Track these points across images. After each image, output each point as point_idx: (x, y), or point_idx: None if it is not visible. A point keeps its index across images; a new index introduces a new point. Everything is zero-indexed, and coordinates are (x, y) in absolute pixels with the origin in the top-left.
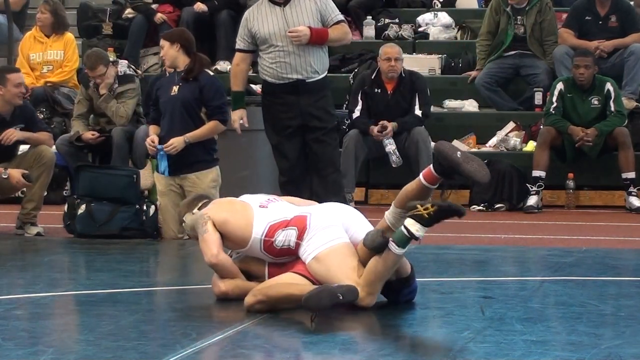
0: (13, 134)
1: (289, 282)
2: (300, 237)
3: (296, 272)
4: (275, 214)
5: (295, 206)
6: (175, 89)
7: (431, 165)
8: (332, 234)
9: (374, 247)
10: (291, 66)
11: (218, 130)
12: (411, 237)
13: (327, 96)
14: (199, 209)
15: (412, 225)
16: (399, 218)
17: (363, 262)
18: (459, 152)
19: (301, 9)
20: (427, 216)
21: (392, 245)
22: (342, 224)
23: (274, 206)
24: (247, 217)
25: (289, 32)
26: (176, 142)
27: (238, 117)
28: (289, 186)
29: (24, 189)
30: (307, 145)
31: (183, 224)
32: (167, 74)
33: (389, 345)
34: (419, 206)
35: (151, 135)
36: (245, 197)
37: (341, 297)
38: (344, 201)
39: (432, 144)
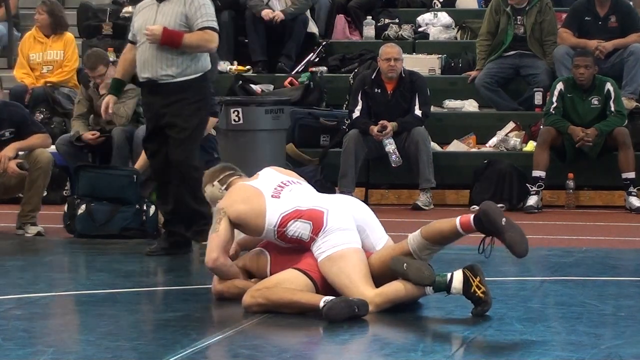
0: (5, 160)
1: (292, 288)
2: (315, 232)
3: (298, 269)
4: (287, 204)
5: (311, 194)
6: None
7: (472, 217)
8: (349, 237)
9: (419, 281)
10: (145, 64)
11: (210, 124)
12: (448, 292)
13: (187, 100)
14: (220, 181)
15: (458, 284)
16: (424, 249)
17: (376, 272)
18: (504, 219)
19: (171, 9)
20: (475, 290)
21: (429, 289)
22: (357, 224)
23: (285, 194)
24: (260, 209)
25: (145, 30)
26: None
27: (105, 103)
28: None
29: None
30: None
31: (205, 194)
32: None
33: (389, 345)
34: (476, 281)
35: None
36: (262, 179)
37: (357, 310)
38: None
39: (432, 144)
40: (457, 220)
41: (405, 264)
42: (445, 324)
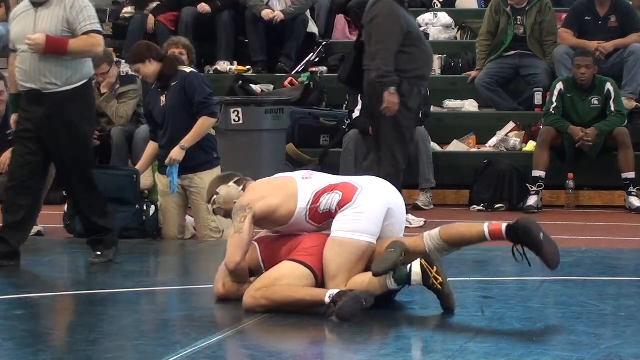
0: (7, 161)
1: (293, 285)
2: (340, 205)
3: (294, 260)
4: (319, 183)
5: (342, 176)
6: (163, 98)
7: (504, 226)
8: (368, 225)
9: (375, 270)
10: (27, 74)
11: (208, 124)
12: (409, 284)
13: (73, 109)
14: (236, 182)
15: (416, 276)
16: (442, 250)
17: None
18: (542, 234)
19: (51, 15)
20: (433, 282)
21: (390, 281)
22: (389, 206)
23: (317, 176)
24: (291, 190)
25: (26, 39)
26: (174, 154)
27: (13, 121)
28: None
29: None
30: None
31: (215, 197)
32: (153, 86)
33: (389, 345)
34: (433, 272)
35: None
36: (286, 174)
37: (365, 303)
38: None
39: (432, 144)
40: (486, 227)
41: (390, 250)
42: (445, 323)
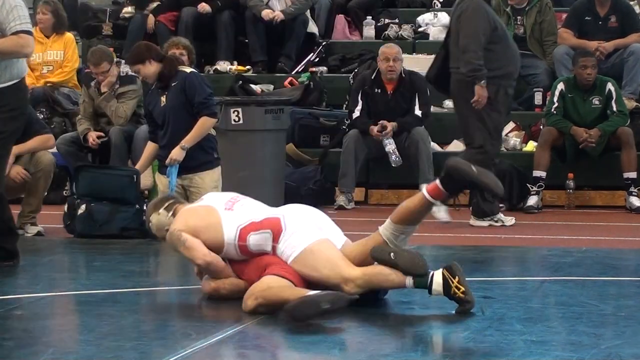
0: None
1: (282, 286)
2: (275, 239)
3: (275, 274)
4: (242, 216)
5: (262, 206)
6: (163, 98)
7: (438, 181)
8: (309, 234)
9: (412, 270)
10: None
11: (209, 125)
12: (429, 293)
13: (2, 109)
14: (165, 209)
15: (438, 286)
16: (399, 234)
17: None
18: (473, 167)
19: None
20: (455, 292)
21: (409, 280)
22: (316, 224)
23: (239, 207)
24: (215, 223)
25: None
26: (175, 154)
27: None
28: None
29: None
30: None
31: (150, 224)
32: (153, 87)
33: (389, 345)
34: (455, 282)
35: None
36: (208, 199)
37: (329, 306)
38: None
39: (432, 144)
40: (424, 190)
41: (392, 254)
42: (445, 324)
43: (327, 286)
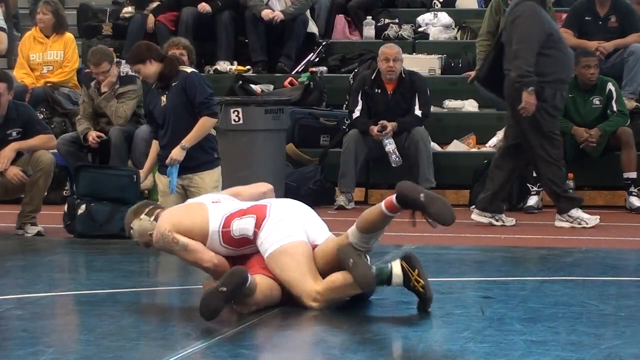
0: (5, 159)
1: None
2: (258, 225)
3: (258, 274)
4: (229, 206)
5: (250, 201)
6: (164, 98)
7: (394, 197)
8: (291, 229)
9: (362, 286)
10: None
11: (209, 125)
12: (389, 283)
13: None
14: (147, 214)
15: (397, 278)
16: (367, 240)
17: (321, 266)
18: (422, 195)
19: None
20: (414, 284)
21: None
22: (301, 219)
23: (226, 200)
24: (202, 213)
25: None
26: (175, 154)
27: None
28: None
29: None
30: None
31: (131, 232)
32: (153, 86)
33: (389, 345)
34: (415, 274)
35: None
36: (196, 198)
37: (225, 289)
38: None
39: (432, 144)
40: (382, 204)
41: (351, 261)
42: (445, 324)
43: (287, 290)
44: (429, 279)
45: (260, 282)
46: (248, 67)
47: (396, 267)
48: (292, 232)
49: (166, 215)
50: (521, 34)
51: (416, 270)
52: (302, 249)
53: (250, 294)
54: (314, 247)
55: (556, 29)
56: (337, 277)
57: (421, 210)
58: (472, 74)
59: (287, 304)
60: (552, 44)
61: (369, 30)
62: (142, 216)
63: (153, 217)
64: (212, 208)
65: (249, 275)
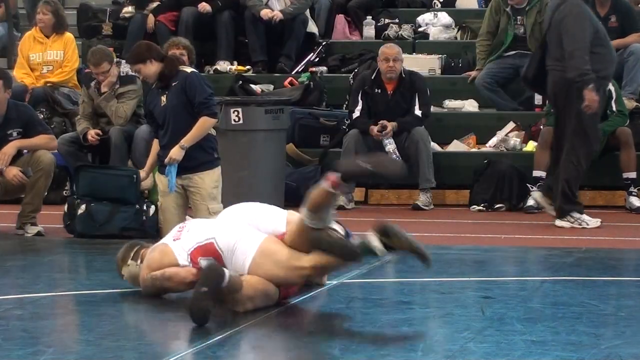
0: (5, 156)
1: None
2: (221, 262)
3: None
4: (188, 242)
5: (202, 227)
6: (164, 98)
7: (339, 176)
8: (248, 241)
9: (350, 258)
10: None
11: (209, 124)
12: (376, 255)
13: None
14: (132, 259)
15: (381, 251)
16: (321, 218)
17: (299, 246)
18: (365, 164)
19: None
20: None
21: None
22: (249, 226)
23: (184, 235)
24: (171, 256)
25: None
26: (174, 154)
27: None
28: None
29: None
30: None
31: (124, 278)
32: (153, 86)
33: (389, 345)
34: (394, 241)
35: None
36: (165, 237)
37: (206, 289)
38: None
39: (432, 144)
40: (327, 184)
41: (327, 243)
42: (445, 324)
43: (288, 283)
44: (428, 279)
45: (248, 278)
46: (248, 67)
47: (375, 241)
48: (249, 243)
49: (145, 265)
50: (573, 33)
51: (395, 237)
52: (268, 247)
53: (237, 288)
54: (280, 237)
55: (601, 27)
56: (323, 258)
57: (373, 176)
58: (472, 73)
59: (287, 303)
60: (598, 41)
61: (369, 30)
62: (129, 262)
63: (139, 261)
64: (175, 247)
65: (225, 270)
